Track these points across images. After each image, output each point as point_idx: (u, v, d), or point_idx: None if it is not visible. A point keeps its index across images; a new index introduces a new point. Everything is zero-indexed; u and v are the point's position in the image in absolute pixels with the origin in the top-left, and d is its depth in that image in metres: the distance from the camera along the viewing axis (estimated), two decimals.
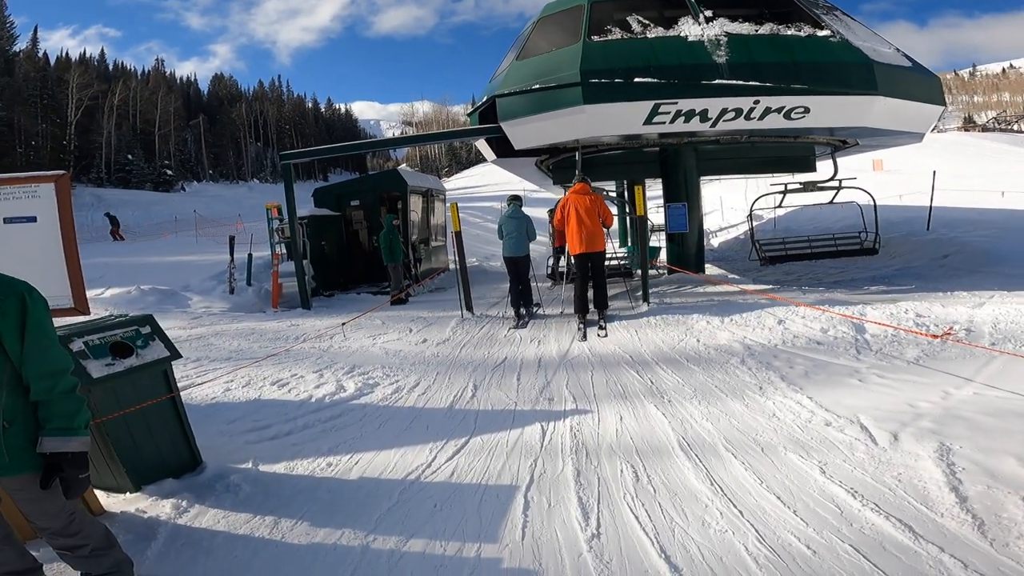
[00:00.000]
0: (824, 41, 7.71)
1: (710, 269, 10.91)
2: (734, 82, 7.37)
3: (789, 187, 9.75)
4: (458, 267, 8.23)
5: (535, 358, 5.62)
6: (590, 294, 7.02)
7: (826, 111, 7.61)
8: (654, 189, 12.80)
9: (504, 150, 9.67)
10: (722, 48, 7.58)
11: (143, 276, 12.20)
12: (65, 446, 1.70)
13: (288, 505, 2.80)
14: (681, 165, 9.78)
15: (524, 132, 8.44)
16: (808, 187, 9.76)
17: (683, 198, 9.64)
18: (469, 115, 10.33)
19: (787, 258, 9.95)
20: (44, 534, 1.87)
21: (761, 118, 7.59)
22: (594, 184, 11.59)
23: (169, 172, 54.77)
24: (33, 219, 4.58)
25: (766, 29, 7.82)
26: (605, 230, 7.05)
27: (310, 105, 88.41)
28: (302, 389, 4.76)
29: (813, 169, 10.41)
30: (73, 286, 4.57)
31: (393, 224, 10.46)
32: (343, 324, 6.41)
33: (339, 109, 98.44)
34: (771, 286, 8.43)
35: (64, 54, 59.05)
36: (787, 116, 7.59)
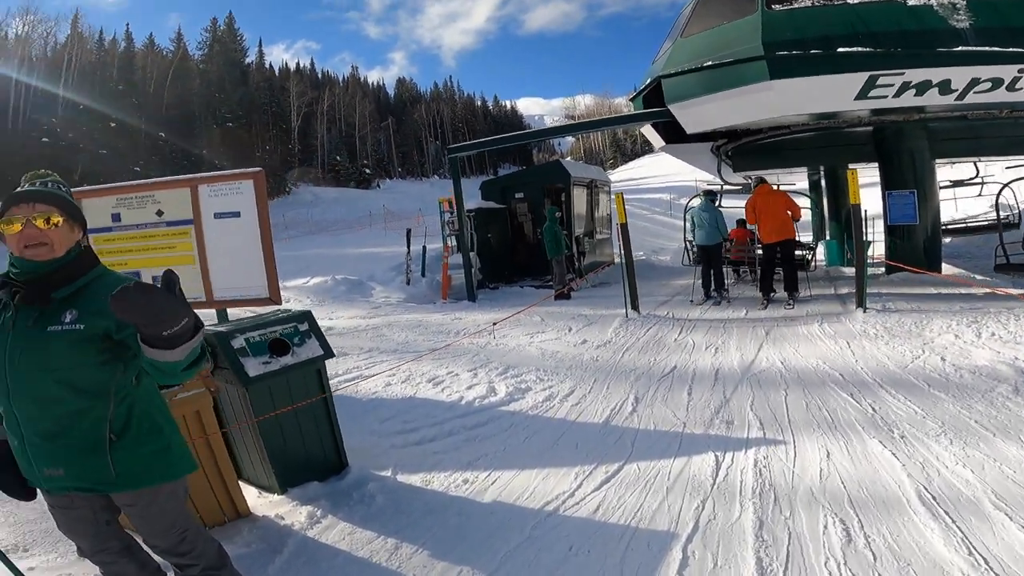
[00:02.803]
0: None
1: (945, 269, 8.74)
2: (991, 49, 6.12)
3: None
4: (623, 262, 7.67)
5: (711, 369, 4.88)
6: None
7: None
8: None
9: (673, 136, 8.81)
10: (961, 12, 6.40)
11: (341, 266, 13.75)
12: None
13: (415, 526, 2.61)
14: (906, 146, 8.05)
15: (697, 114, 7.67)
16: None
17: (910, 185, 7.86)
18: (632, 100, 9.66)
19: None
20: (155, 551, 1.80)
21: None
22: (782, 173, 11.27)
23: (368, 171, 62.14)
24: (237, 214, 5.13)
25: None
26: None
27: (479, 103, 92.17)
28: (455, 389, 4.68)
29: None
30: (269, 277, 5.04)
31: (556, 216, 10.21)
32: (493, 324, 6.34)
33: (505, 106, 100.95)
34: None
35: (284, 65, 68.37)
36: None
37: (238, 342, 2.68)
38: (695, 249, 8.78)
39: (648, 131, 9.96)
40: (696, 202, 8.81)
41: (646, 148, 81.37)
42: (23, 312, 1.52)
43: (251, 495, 2.95)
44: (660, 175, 44.27)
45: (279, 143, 52.66)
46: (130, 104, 39.74)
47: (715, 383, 4.49)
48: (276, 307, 5.06)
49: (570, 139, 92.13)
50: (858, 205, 6.40)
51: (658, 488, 2.83)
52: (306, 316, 3.06)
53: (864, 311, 6.23)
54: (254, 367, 2.68)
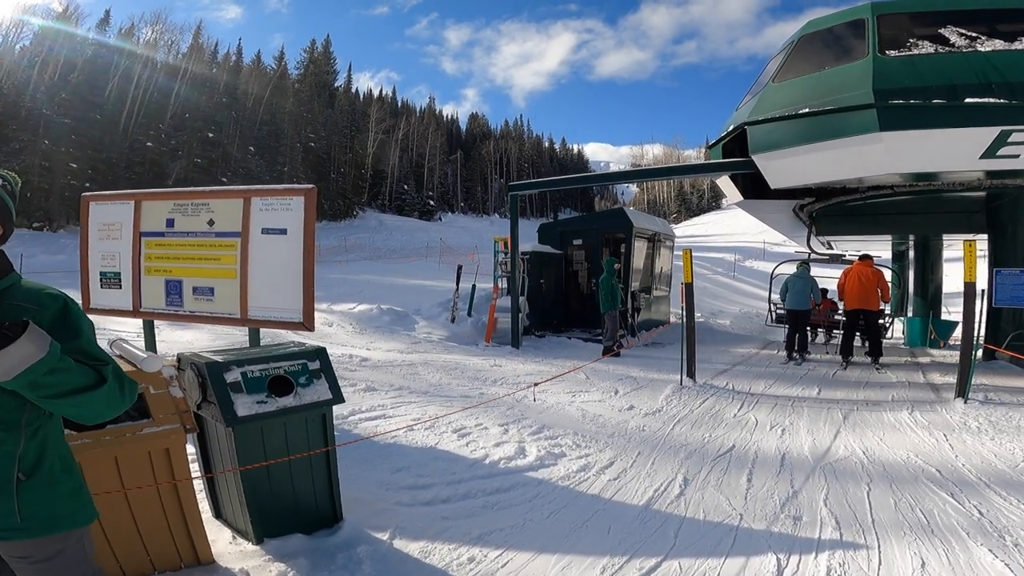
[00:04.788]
0: None
1: None
2: None
3: None
4: (684, 324, 7.09)
5: (776, 453, 4.25)
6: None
7: None
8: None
9: (753, 190, 8.25)
10: None
11: (389, 296, 13.72)
12: None
13: None
14: None
15: (785, 167, 7.02)
16: None
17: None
18: (710, 148, 9.15)
19: None
20: None
21: None
22: (867, 240, 11.26)
23: (432, 202, 63.52)
24: (284, 231, 4.86)
25: None
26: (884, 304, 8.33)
27: (546, 144, 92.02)
28: (480, 444, 4.24)
29: None
30: (305, 302, 4.75)
31: (614, 268, 9.72)
32: (535, 385, 5.91)
33: (572, 149, 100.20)
34: None
35: (368, 91, 71.07)
36: None
37: (232, 375, 2.37)
38: (780, 312, 9.92)
39: (725, 183, 9.40)
40: (788, 268, 9.93)
41: (713, 204, 79.69)
42: None
43: (223, 538, 2.61)
44: (725, 233, 43.07)
45: (353, 167, 54.42)
46: (229, 117, 42.02)
47: (781, 470, 3.88)
48: (307, 332, 4.78)
49: (634, 189, 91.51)
50: (973, 283, 5.64)
51: None
52: (319, 353, 2.73)
53: (965, 401, 5.55)
54: (245, 406, 2.35)
